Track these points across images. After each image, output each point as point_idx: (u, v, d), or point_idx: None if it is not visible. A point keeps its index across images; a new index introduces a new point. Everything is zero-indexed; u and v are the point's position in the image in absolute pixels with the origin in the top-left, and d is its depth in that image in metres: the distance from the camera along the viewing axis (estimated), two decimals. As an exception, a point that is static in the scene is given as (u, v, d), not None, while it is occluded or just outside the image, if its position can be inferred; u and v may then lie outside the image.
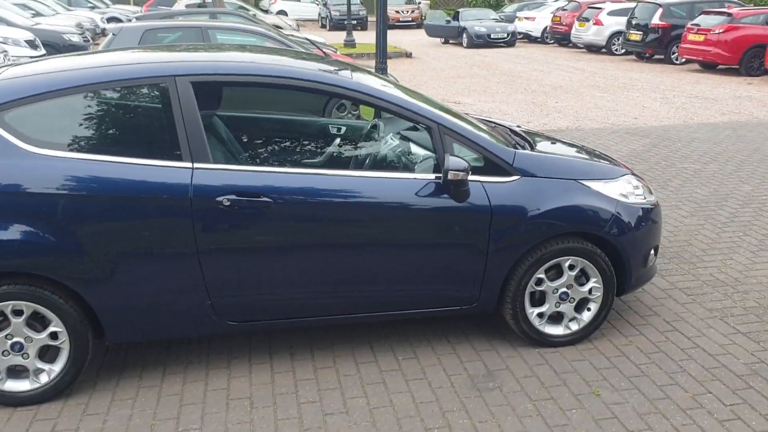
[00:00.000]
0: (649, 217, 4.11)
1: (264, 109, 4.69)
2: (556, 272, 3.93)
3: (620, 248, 3.95)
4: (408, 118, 3.78)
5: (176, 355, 3.92)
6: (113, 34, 9.79)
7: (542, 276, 3.88)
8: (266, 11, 35.39)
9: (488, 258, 3.76)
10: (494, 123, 4.71)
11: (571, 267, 3.91)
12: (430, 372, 3.77)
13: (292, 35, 15.86)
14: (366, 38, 26.54)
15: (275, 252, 3.53)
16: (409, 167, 3.96)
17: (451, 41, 25.63)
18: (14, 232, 3.20)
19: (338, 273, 3.63)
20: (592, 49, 21.80)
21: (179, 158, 3.42)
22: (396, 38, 27.51)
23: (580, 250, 3.87)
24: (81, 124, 3.43)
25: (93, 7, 30.16)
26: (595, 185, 3.93)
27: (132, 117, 3.58)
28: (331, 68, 3.94)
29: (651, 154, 8.49)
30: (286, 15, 36.42)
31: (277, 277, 3.57)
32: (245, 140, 4.00)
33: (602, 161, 4.26)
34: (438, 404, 3.48)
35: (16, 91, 3.33)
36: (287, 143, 3.95)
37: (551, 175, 3.86)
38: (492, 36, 23.82)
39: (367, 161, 4.00)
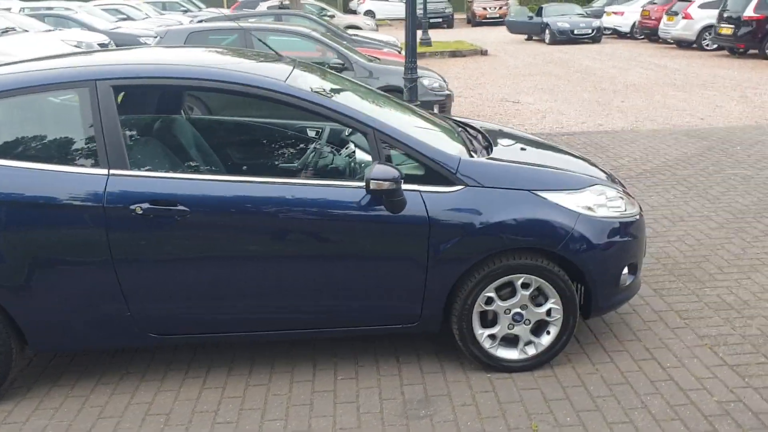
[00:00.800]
0: (622, 231, 3.71)
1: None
2: (510, 291, 3.59)
3: (581, 267, 3.58)
4: (343, 123, 3.56)
5: (117, 365, 3.85)
6: (160, 37, 10.00)
7: (492, 295, 3.56)
8: (354, 12, 35.64)
9: (428, 273, 3.49)
10: (464, 125, 4.42)
11: (525, 285, 3.58)
12: (364, 395, 3.53)
13: (365, 36, 15.80)
14: (448, 36, 26.22)
15: (193, 263, 3.39)
16: (353, 175, 3.73)
17: (534, 38, 24.89)
18: None
19: (262, 287, 3.46)
20: (681, 44, 20.60)
21: (96, 165, 3.34)
22: (479, 35, 27.06)
23: (533, 268, 3.53)
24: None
25: (186, 11, 31.22)
26: (553, 196, 3.57)
27: (51, 122, 3.53)
28: (281, 71, 3.71)
29: (701, 158, 7.83)
30: (374, 15, 36.57)
31: (196, 290, 3.43)
32: (190, 145, 3.88)
33: (569, 171, 3.85)
34: (356, 432, 3.24)
35: None
36: (227, 148, 3.79)
37: (500, 185, 3.54)
38: (575, 32, 22.94)
39: (308, 168, 3.80)
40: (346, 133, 4.07)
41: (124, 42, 16.10)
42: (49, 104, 3.48)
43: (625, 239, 3.72)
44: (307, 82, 3.73)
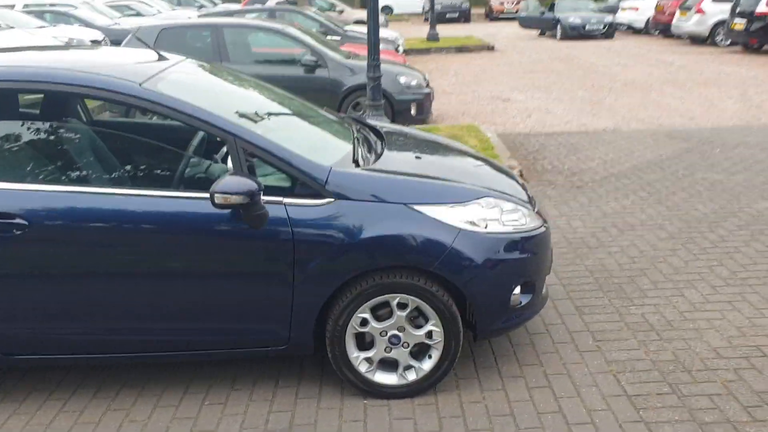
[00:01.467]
0: (516, 248, 3.41)
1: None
2: (388, 312, 3.32)
3: (460, 287, 3.29)
4: (203, 129, 3.31)
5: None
6: (132, 34, 9.84)
7: (366, 315, 3.29)
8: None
9: (294, 294, 3.23)
10: (370, 129, 4.16)
11: (402, 306, 3.30)
12: (225, 423, 3.28)
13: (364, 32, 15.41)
14: (461, 31, 25.79)
15: (33, 281, 3.17)
16: None
17: (547, 33, 24.38)
18: None
19: (110, 307, 3.23)
20: (695, 40, 19.96)
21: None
22: (493, 30, 26.62)
23: (409, 287, 3.25)
24: None
25: (200, 6, 31.17)
26: (431, 210, 3.28)
27: None
28: (144, 73, 3.47)
29: (675, 161, 7.44)
30: (391, 11, 36.27)
31: (38, 309, 3.21)
32: (41, 153, 3.59)
33: (456, 183, 3.55)
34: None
35: None
36: (85, 156, 3.52)
37: (372, 198, 3.27)
38: (587, 27, 22.39)
39: (175, 178, 3.54)
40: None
41: (122, 38, 16.01)
42: None
43: (517, 256, 3.43)
44: (183, 84, 3.49)
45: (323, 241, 3.19)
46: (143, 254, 3.20)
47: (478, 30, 26.89)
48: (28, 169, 3.33)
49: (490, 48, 20.33)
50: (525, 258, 3.47)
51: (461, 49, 20.15)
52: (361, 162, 3.52)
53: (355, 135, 3.93)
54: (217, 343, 3.36)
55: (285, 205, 3.19)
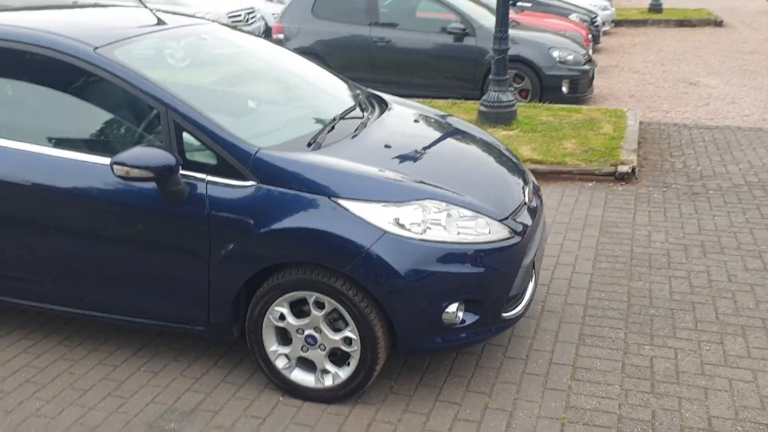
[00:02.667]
0: (460, 260, 3.01)
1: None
2: (308, 310, 3.11)
3: (376, 294, 2.96)
4: (139, 97, 3.20)
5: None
6: (293, -5, 10.11)
7: (284, 310, 3.11)
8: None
9: (210, 277, 3.13)
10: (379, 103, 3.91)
11: (320, 306, 3.06)
12: (142, 392, 3.30)
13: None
14: (698, 2, 23.23)
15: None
16: None
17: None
18: None
19: (51, 261, 3.37)
20: None
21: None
22: (736, 3, 23.66)
23: (325, 287, 3.00)
24: None
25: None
26: (358, 207, 2.98)
27: None
28: (112, 35, 3.46)
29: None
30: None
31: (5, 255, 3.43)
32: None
33: (400, 179, 3.16)
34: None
35: None
36: (38, 115, 3.58)
37: (296, 186, 3.03)
38: None
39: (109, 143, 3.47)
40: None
41: None
42: None
43: (459, 270, 3.01)
44: (148, 53, 3.48)
45: (238, 226, 3.03)
46: (73, 214, 3.26)
47: (718, 2, 24.05)
48: None
49: (718, 23, 18.10)
50: (471, 273, 3.04)
51: (682, 23, 18.19)
52: (315, 144, 3.27)
53: (342, 113, 3.67)
54: (144, 313, 3.35)
55: (207, 182, 3.07)
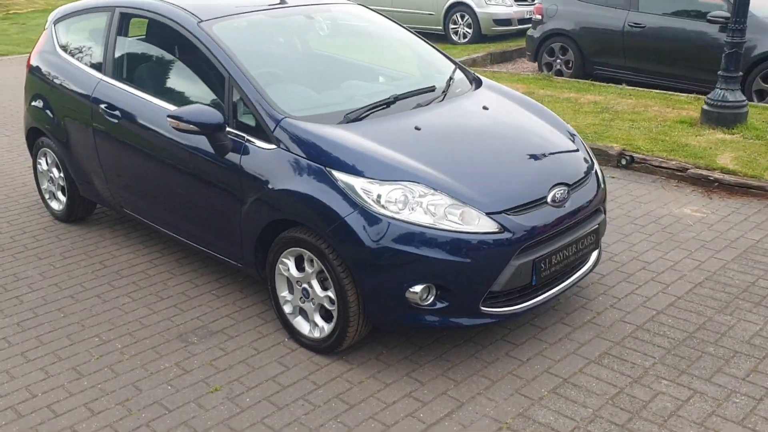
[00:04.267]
0: (430, 245, 3.11)
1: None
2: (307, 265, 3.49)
3: (347, 262, 3.20)
4: (215, 67, 3.76)
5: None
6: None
7: (289, 262, 3.52)
8: None
9: (241, 219, 3.66)
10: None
11: (312, 263, 3.41)
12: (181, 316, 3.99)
13: None
14: None
15: (124, 156, 4.32)
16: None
17: None
18: None
19: (152, 185, 4.20)
20: None
21: (99, 71, 4.49)
22: None
23: (313, 247, 3.33)
24: None
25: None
26: (346, 179, 3.22)
27: (95, 37, 4.70)
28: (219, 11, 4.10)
29: None
30: None
31: (129, 179, 4.38)
32: (146, 67, 4.48)
33: (391, 159, 3.28)
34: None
35: None
36: (162, 75, 4.38)
37: (302, 154, 3.38)
38: None
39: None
40: None
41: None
42: (93, 23, 4.69)
43: (429, 253, 3.09)
44: (245, 30, 4.06)
45: (259, 181, 3.48)
46: (160, 150, 4.01)
47: None
48: (126, 73, 4.38)
49: None
50: (441, 259, 3.10)
51: None
52: (346, 119, 3.55)
53: (408, 92, 3.87)
54: (206, 243, 4.00)
55: (245, 142, 3.57)
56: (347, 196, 3.18)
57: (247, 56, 3.79)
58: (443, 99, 3.93)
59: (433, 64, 4.43)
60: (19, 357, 3.54)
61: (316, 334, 3.48)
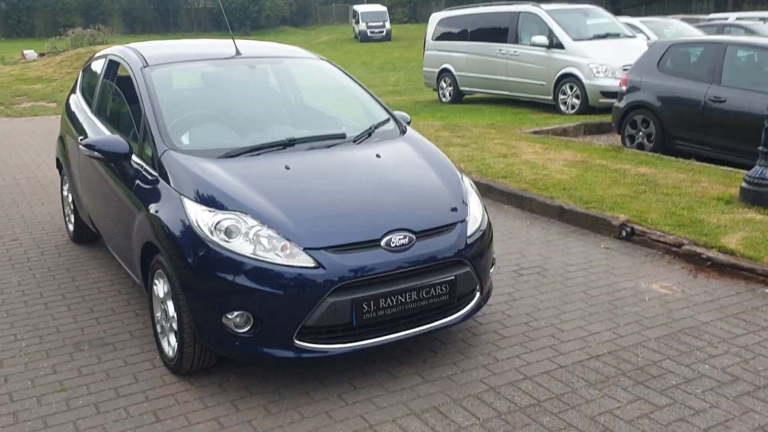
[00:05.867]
0: (244, 274, 3.26)
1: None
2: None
3: (180, 283, 3.42)
4: (140, 101, 4.23)
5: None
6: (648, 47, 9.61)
7: (158, 283, 3.78)
8: None
9: (132, 240, 4.01)
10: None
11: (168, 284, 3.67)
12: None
13: None
14: None
15: (83, 176, 4.87)
16: None
17: None
18: None
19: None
20: None
21: (90, 107, 5.15)
22: None
23: (164, 269, 3.58)
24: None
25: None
26: (190, 206, 3.48)
27: None
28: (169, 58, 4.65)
29: None
30: None
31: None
32: None
33: (240, 194, 3.48)
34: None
35: None
36: None
37: (171, 183, 3.70)
38: None
39: None
40: None
41: None
42: (98, 68, 5.35)
43: (245, 282, 3.24)
44: (172, 76, 4.53)
45: (142, 206, 3.77)
46: (102, 175, 4.50)
47: None
48: (98, 110, 4.94)
49: None
50: (254, 288, 3.23)
51: None
52: (225, 155, 3.80)
53: (308, 137, 4.11)
54: (123, 260, 4.38)
55: (142, 170, 3.94)
56: (188, 222, 3.42)
57: (167, 98, 4.20)
58: (351, 144, 4.11)
59: (367, 115, 4.58)
60: None
61: (170, 354, 3.68)
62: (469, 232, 3.69)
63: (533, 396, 3.42)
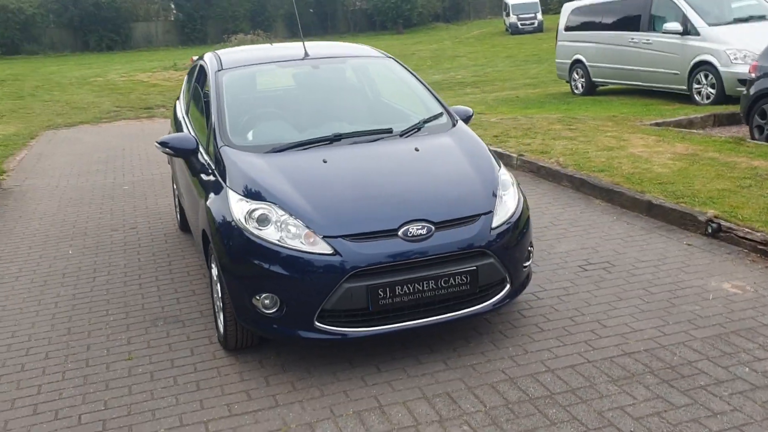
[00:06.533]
0: (266, 260, 3.57)
1: None
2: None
3: (219, 266, 3.82)
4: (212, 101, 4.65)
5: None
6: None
7: (215, 266, 4.20)
8: None
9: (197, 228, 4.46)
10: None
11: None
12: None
13: None
14: None
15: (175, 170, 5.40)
16: None
17: None
18: None
19: None
20: None
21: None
22: None
23: (211, 252, 4.00)
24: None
25: None
26: (231, 195, 3.85)
27: None
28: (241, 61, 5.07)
29: None
30: None
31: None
32: None
33: (265, 187, 3.78)
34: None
35: None
36: None
37: (220, 175, 4.09)
38: None
39: None
40: None
41: None
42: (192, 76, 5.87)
43: (271, 267, 3.55)
44: (242, 79, 4.93)
45: (204, 195, 4.17)
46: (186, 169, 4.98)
47: None
48: (186, 109, 5.41)
49: None
50: (279, 273, 3.52)
51: None
52: (271, 150, 4.11)
53: (352, 132, 4.32)
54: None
55: (206, 164, 4.36)
56: (228, 210, 3.76)
57: (234, 98, 4.59)
58: (396, 138, 4.31)
59: (423, 111, 4.71)
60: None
61: (221, 332, 4.05)
62: (494, 224, 3.75)
63: (548, 388, 3.43)
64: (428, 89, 4.93)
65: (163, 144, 4.48)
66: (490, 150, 4.38)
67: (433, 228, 3.60)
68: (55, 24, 44.83)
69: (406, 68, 5.14)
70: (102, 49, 43.34)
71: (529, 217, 4.07)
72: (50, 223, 7.02)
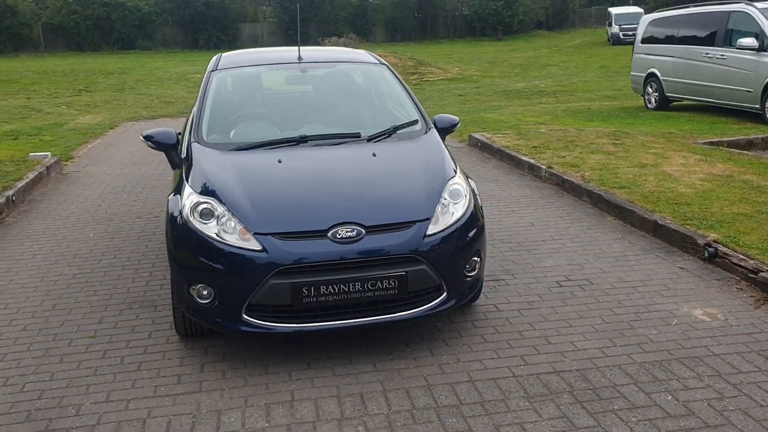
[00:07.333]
0: (205, 250, 3.74)
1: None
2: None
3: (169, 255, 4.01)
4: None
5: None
6: None
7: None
8: None
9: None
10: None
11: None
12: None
13: None
14: None
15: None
16: None
17: None
18: None
19: None
20: None
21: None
22: None
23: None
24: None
25: None
26: (186, 187, 4.06)
27: None
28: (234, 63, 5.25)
29: None
30: None
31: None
32: None
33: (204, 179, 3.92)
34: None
35: None
36: None
37: (185, 168, 4.31)
38: None
39: None
40: None
41: None
42: None
43: (204, 258, 3.71)
44: (230, 80, 5.09)
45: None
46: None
47: None
48: None
49: None
50: (209, 265, 3.68)
51: None
52: (234, 149, 4.29)
53: (321, 135, 4.44)
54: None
55: (181, 158, 4.60)
56: (181, 202, 3.96)
57: (218, 97, 4.80)
58: (360, 142, 4.41)
59: (400, 117, 4.77)
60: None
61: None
62: (430, 231, 3.76)
63: (459, 398, 3.43)
64: (411, 97, 4.98)
65: (147, 138, 4.72)
66: (452, 157, 4.40)
67: (363, 231, 3.66)
68: (169, 22, 47.17)
69: (396, 76, 5.20)
70: (210, 48, 45.23)
71: (481, 228, 4.06)
72: (86, 208, 7.49)
